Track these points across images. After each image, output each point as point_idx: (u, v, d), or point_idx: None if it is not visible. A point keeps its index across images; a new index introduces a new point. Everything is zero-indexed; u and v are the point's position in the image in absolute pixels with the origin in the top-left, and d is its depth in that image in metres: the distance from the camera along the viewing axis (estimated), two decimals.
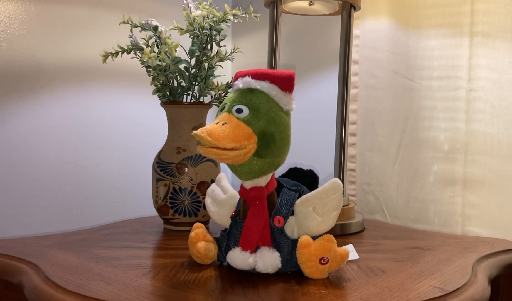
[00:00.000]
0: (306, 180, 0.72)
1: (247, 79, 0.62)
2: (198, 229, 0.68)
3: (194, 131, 0.56)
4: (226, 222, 0.68)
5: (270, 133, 0.60)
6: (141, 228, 0.89)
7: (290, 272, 0.64)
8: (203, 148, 0.57)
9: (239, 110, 0.60)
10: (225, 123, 0.58)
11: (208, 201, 0.72)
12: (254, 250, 0.62)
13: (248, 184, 0.63)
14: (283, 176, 0.74)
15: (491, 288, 0.66)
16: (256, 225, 0.62)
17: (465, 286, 0.60)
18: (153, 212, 0.92)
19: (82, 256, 0.70)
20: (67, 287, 0.57)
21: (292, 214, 0.64)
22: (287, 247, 0.63)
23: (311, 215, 0.63)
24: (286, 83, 0.62)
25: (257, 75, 0.62)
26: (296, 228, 0.64)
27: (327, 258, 0.61)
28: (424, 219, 0.99)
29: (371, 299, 0.55)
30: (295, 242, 0.63)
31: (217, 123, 0.58)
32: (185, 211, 0.86)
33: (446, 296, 0.57)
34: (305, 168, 0.75)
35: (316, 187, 0.70)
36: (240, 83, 0.63)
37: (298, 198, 0.65)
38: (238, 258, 0.62)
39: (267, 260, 0.61)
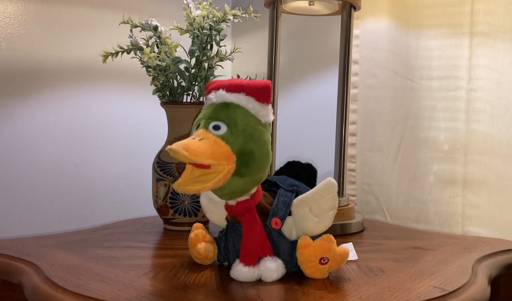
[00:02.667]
0: (304, 174, 0.72)
1: (221, 92, 0.58)
2: (197, 229, 0.68)
3: (169, 146, 0.52)
4: (222, 222, 0.68)
5: (249, 151, 0.57)
6: (141, 228, 0.89)
7: (291, 272, 0.64)
8: (181, 187, 0.54)
9: (217, 127, 0.56)
10: (202, 139, 0.55)
11: (203, 201, 0.71)
12: (256, 262, 0.62)
13: (232, 201, 0.61)
14: (280, 169, 0.73)
15: (491, 288, 0.66)
16: (252, 239, 0.61)
17: (465, 286, 0.60)
18: (153, 212, 0.92)
19: (82, 256, 0.70)
20: (67, 287, 0.57)
21: (290, 214, 0.64)
22: (286, 248, 0.62)
23: (308, 216, 0.62)
24: (263, 94, 0.58)
25: (231, 87, 0.58)
26: (294, 228, 0.63)
27: (327, 258, 0.61)
28: (424, 219, 0.99)
29: (371, 299, 0.55)
30: (294, 242, 0.62)
31: (193, 139, 0.55)
32: (185, 211, 0.86)
33: (446, 296, 0.57)
34: (303, 162, 0.74)
35: (315, 181, 0.69)
36: (213, 98, 0.59)
37: (295, 198, 0.65)
38: (243, 274, 0.61)
39: (271, 270, 0.61)
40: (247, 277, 0.61)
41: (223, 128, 0.56)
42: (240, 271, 0.61)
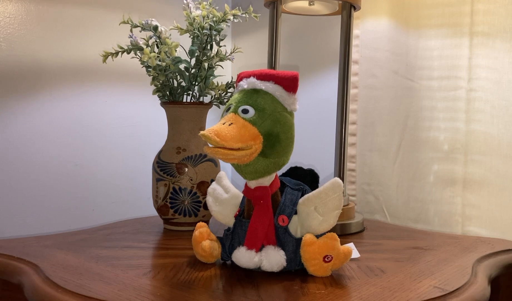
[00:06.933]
0: (306, 179, 0.73)
1: (252, 80, 0.63)
2: (202, 228, 0.68)
3: (201, 132, 0.57)
4: (229, 221, 0.69)
5: (276, 133, 0.61)
6: (141, 228, 0.89)
7: (294, 270, 0.64)
8: (210, 149, 0.58)
9: (245, 111, 0.60)
10: (232, 123, 0.59)
11: (209, 200, 0.72)
12: (259, 249, 0.63)
13: (253, 184, 0.64)
14: (283, 175, 0.74)
15: (491, 288, 0.66)
16: (261, 224, 0.62)
17: (465, 286, 0.60)
18: (153, 212, 0.92)
19: (82, 256, 0.70)
20: (67, 287, 0.57)
21: (296, 213, 0.65)
22: (291, 245, 0.63)
23: (313, 214, 0.63)
24: (291, 84, 0.63)
25: (261, 76, 0.63)
26: (299, 226, 0.65)
27: (330, 256, 0.61)
28: (424, 219, 0.99)
29: (371, 299, 0.55)
30: (299, 240, 0.63)
31: (223, 124, 0.59)
32: (185, 211, 0.86)
33: (446, 296, 0.57)
34: (305, 167, 0.75)
35: (317, 186, 0.70)
36: (245, 84, 0.63)
37: (300, 197, 0.66)
38: (244, 256, 0.62)
39: (273, 259, 0.62)
40: (247, 260, 0.62)
41: (251, 112, 0.60)
42: (242, 253, 0.63)
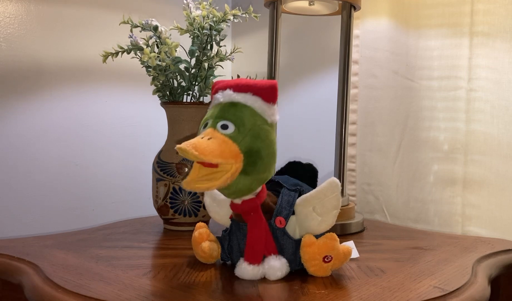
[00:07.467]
0: (305, 174, 0.72)
1: (229, 92, 0.59)
2: (201, 228, 0.68)
3: (178, 146, 0.53)
4: (226, 222, 0.68)
5: (256, 150, 0.57)
6: (141, 228, 0.89)
7: (294, 271, 0.64)
8: (190, 185, 0.55)
9: (225, 127, 0.57)
10: (211, 138, 0.56)
11: (207, 200, 0.71)
12: (261, 261, 0.62)
13: (238, 200, 0.61)
14: (281, 170, 0.74)
15: (491, 288, 0.66)
16: (258, 237, 0.61)
17: (465, 286, 0.60)
18: (153, 212, 0.92)
19: (82, 256, 0.70)
20: (67, 287, 0.57)
21: (293, 213, 0.64)
22: (290, 247, 0.63)
23: (311, 215, 0.63)
24: (269, 94, 0.59)
25: (238, 87, 0.59)
26: (297, 227, 0.64)
27: (330, 256, 0.61)
28: (424, 219, 0.99)
29: (371, 299, 0.55)
30: (298, 241, 0.63)
31: (202, 138, 0.56)
32: (185, 211, 0.86)
33: (446, 296, 0.57)
34: (304, 162, 0.75)
35: (316, 181, 0.69)
36: (221, 97, 0.60)
37: (298, 197, 0.65)
38: (248, 273, 0.62)
39: (277, 270, 0.61)
40: (251, 275, 0.62)
41: (231, 128, 0.57)
42: (245, 269, 0.62)
